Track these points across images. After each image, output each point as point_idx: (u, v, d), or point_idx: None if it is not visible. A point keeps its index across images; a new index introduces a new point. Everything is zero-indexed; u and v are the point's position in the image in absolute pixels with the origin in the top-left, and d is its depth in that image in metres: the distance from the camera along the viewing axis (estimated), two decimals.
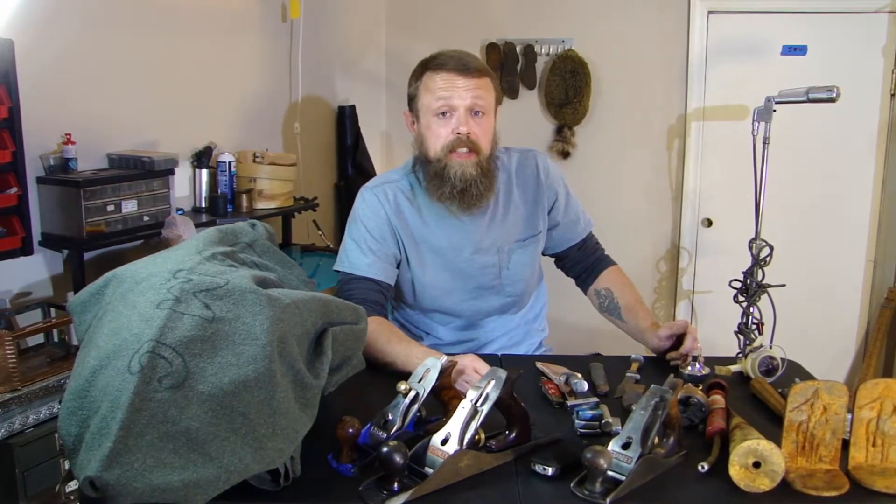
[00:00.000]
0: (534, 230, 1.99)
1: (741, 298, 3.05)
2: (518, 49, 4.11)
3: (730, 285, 3.05)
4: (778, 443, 1.23)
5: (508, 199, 1.96)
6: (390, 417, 1.33)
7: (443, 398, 1.40)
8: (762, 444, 1.19)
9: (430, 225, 1.91)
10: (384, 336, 1.73)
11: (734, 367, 1.73)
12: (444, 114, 1.81)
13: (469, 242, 1.91)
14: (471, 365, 1.58)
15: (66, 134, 2.46)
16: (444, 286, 1.94)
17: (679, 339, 1.81)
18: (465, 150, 1.81)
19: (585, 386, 1.56)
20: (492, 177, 1.88)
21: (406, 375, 1.44)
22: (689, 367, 1.72)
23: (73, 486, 2.03)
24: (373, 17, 4.29)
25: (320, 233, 3.65)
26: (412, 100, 1.88)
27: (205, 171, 3.05)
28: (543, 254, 2.08)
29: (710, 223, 4.11)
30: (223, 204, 3.02)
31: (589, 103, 4.06)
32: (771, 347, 1.69)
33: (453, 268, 1.93)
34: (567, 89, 4.04)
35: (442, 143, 1.82)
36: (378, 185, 1.94)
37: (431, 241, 1.91)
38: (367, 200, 1.92)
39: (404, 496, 1.15)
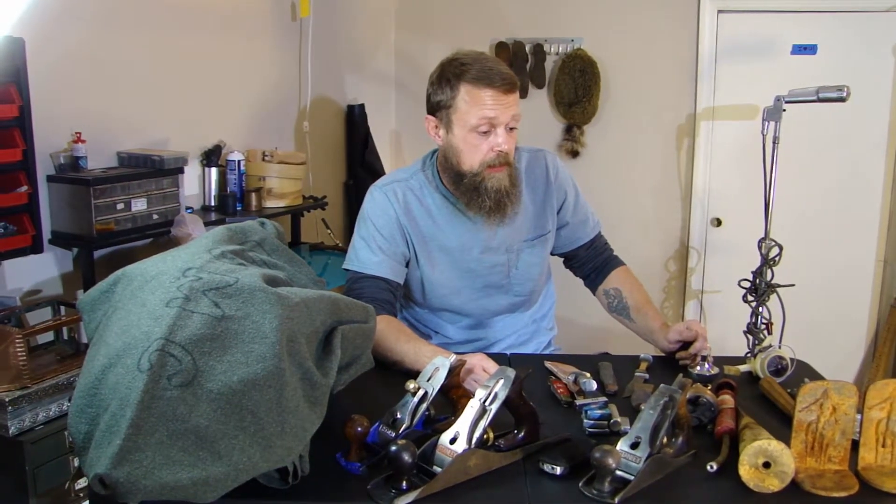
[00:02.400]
0: (542, 230, 1.98)
1: (750, 298, 3.02)
2: (527, 48, 4.11)
3: (739, 285, 3.03)
4: (787, 443, 1.22)
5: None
6: (399, 416, 1.33)
7: (451, 397, 1.40)
8: (773, 445, 1.18)
9: (439, 224, 1.91)
10: (393, 335, 1.73)
11: (743, 367, 1.73)
12: (485, 130, 1.78)
13: (478, 241, 1.91)
14: (479, 364, 1.58)
15: (77, 132, 2.47)
16: (453, 285, 1.94)
17: None
18: (500, 164, 1.80)
19: (594, 385, 1.56)
20: (519, 184, 1.88)
21: (415, 374, 1.44)
22: (699, 367, 1.71)
23: (82, 483, 2.04)
24: (382, 15, 4.29)
25: (329, 231, 3.65)
26: (443, 108, 1.79)
27: (214, 170, 3.06)
28: (552, 253, 2.08)
29: (719, 223, 4.10)
30: (232, 202, 3.04)
31: (598, 102, 4.05)
32: (780, 347, 1.69)
33: (462, 267, 1.93)
34: (576, 88, 4.03)
35: (480, 160, 1.79)
36: (387, 183, 1.94)
37: (440, 240, 1.91)
38: (376, 199, 1.91)
39: (412, 495, 1.16)
